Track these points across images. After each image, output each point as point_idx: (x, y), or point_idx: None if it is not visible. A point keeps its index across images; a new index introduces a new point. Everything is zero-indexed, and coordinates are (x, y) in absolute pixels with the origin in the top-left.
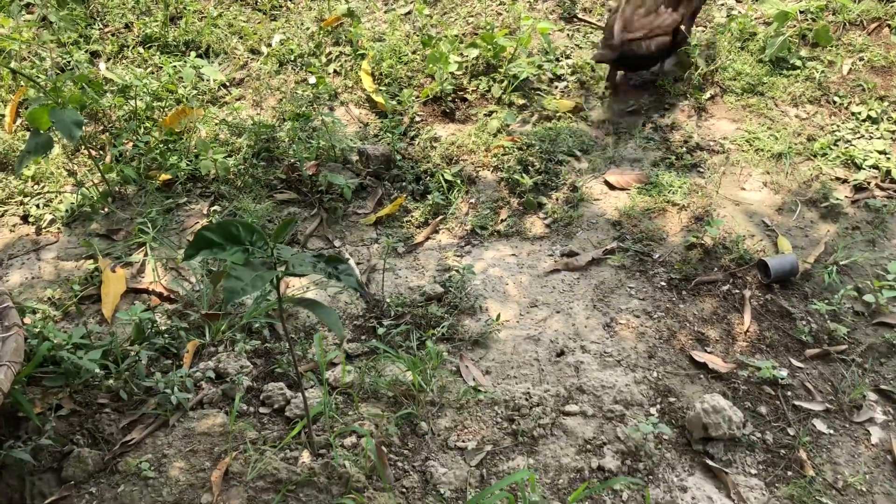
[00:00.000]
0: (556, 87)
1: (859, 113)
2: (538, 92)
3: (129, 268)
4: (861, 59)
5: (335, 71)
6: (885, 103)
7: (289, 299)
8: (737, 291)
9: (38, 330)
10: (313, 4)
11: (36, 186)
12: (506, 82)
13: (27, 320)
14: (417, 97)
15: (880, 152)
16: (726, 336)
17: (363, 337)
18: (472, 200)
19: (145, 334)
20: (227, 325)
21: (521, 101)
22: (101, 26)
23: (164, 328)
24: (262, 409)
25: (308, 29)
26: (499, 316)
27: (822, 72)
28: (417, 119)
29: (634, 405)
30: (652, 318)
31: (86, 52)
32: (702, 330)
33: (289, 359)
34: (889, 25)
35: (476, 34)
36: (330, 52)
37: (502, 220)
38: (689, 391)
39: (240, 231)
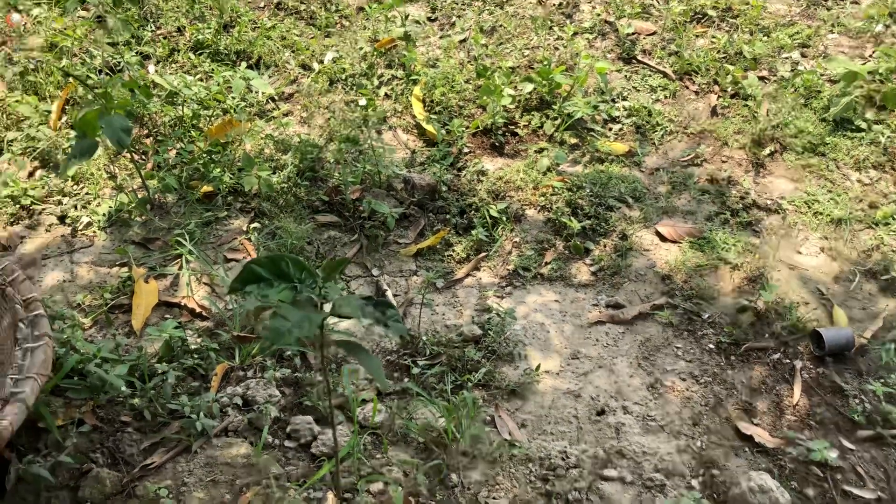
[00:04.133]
0: (611, 129)
1: None
2: (592, 133)
3: (163, 279)
4: None
5: (386, 94)
6: None
7: (332, 341)
8: (787, 361)
9: (65, 337)
10: (368, 24)
11: (75, 187)
12: (559, 120)
13: (55, 326)
14: (467, 128)
15: None
16: (774, 408)
17: (396, 374)
18: (517, 239)
19: (174, 352)
20: (257, 349)
21: (574, 141)
22: (153, 28)
23: (193, 347)
24: (287, 443)
25: (361, 49)
26: (538, 366)
27: (889, 136)
28: (466, 150)
29: (676, 475)
30: (698, 383)
31: (136, 53)
32: (749, 399)
33: (319, 392)
34: None
35: (532, 68)
36: (382, 75)
37: (547, 263)
38: (734, 464)
39: (289, 267)
